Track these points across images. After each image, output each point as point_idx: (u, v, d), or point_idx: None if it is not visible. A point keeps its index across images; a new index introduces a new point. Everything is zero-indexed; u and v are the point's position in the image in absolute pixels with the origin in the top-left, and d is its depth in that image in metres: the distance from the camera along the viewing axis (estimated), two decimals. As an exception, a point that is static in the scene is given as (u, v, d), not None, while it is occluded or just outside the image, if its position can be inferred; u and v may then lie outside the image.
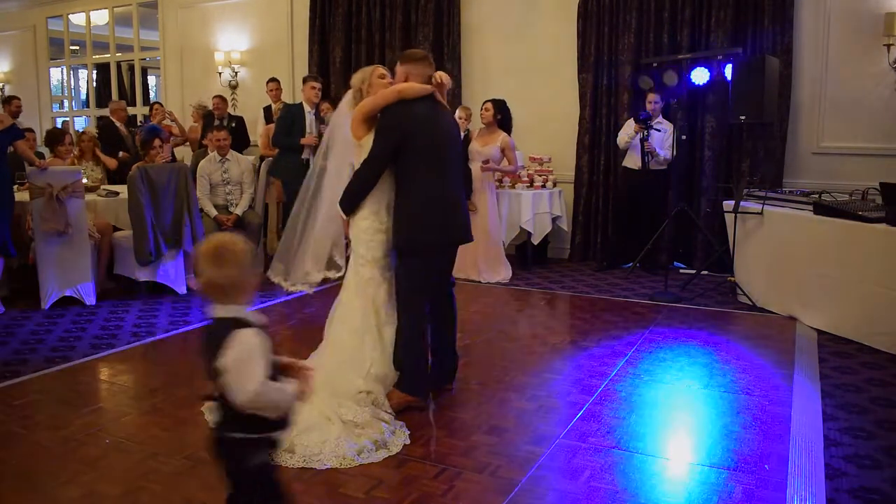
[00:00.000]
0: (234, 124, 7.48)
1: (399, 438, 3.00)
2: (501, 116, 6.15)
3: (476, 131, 6.34)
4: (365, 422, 3.03)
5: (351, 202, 3.32)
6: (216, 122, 7.32)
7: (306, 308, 5.22)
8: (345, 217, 3.37)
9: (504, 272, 6.18)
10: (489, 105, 6.16)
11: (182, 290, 5.68)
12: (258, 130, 7.81)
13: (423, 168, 3.25)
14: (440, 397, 3.46)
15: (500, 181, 6.67)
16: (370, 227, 3.32)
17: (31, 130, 7.49)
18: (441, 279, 3.45)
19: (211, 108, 7.83)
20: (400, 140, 3.20)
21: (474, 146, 6.16)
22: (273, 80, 7.73)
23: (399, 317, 3.32)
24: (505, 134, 6.12)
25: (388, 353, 3.33)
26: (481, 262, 6.15)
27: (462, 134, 6.26)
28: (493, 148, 6.09)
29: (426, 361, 3.38)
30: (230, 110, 8.16)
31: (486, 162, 6.15)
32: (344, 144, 3.45)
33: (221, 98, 7.86)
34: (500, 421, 3.21)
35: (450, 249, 3.43)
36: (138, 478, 2.70)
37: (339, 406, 3.09)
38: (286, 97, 7.90)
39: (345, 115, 3.48)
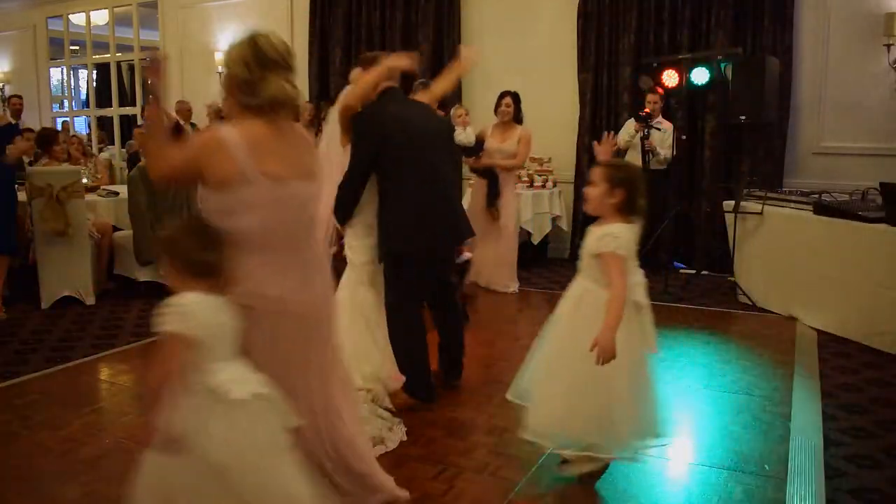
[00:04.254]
0: None
1: (396, 435, 3.02)
2: (519, 110, 5.77)
3: (490, 127, 5.79)
4: (362, 418, 3.06)
5: (343, 211, 3.27)
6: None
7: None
8: (340, 227, 3.36)
9: (513, 285, 5.77)
10: (510, 100, 5.72)
11: (182, 290, 5.67)
12: None
13: (402, 172, 3.14)
14: (446, 396, 3.46)
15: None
16: (357, 233, 3.32)
17: (30, 130, 7.49)
18: (436, 285, 3.40)
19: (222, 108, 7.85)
20: (377, 145, 3.11)
21: (492, 144, 5.67)
22: None
23: (389, 322, 3.28)
24: (524, 127, 5.69)
25: (385, 355, 3.32)
26: (491, 270, 5.74)
27: (473, 133, 5.69)
28: (513, 143, 5.69)
29: (427, 365, 3.37)
30: None
31: (477, 157, 5.67)
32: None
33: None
34: (500, 421, 3.21)
35: (436, 256, 3.33)
36: (138, 478, 2.70)
37: None
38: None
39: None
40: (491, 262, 5.72)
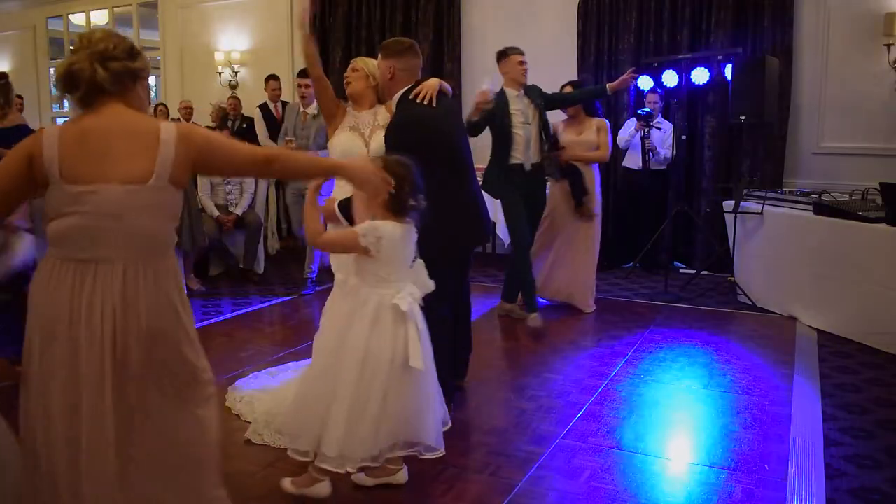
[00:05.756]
0: (245, 125, 7.47)
1: None
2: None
3: (559, 123, 5.21)
4: None
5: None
6: (229, 123, 7.34)
7: (305, 308, 5.22)
8: (346, 223, 3.25)
9: (592, 304, 5.18)
10: (570, 89, 5.24)
11: (182, 290, 5.66)
12: (259, 130, 7.76)
13: (438, 172, 2.96)
14: (445, 396, 3.44)
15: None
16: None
17: (31, 130, 7.50)
18: (456, 285, 3.32)
19: (226, 108, 7.86)
20: (414, 147, 2.93)
21: (569, 137, 5.09)
22: (274, 77, 7.69)
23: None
24: (600, 118, 5.24)
25: None
26: (571, 284, 5.15)
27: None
28: (591, 134, 5.16)
29: (444, 364, 3.30)
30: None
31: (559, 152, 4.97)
32: None
33: (236, 98, 7.88)
34: (500, 421, 3.21)
35: (460, 255, 3.28)
36: (138, 478, 2.69)
37: None
38: (285, 96, 7.89)
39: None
40: (571, 275, 5.14)
